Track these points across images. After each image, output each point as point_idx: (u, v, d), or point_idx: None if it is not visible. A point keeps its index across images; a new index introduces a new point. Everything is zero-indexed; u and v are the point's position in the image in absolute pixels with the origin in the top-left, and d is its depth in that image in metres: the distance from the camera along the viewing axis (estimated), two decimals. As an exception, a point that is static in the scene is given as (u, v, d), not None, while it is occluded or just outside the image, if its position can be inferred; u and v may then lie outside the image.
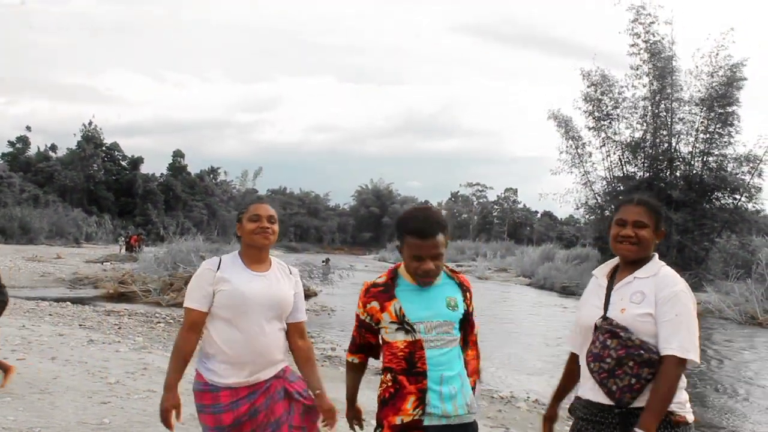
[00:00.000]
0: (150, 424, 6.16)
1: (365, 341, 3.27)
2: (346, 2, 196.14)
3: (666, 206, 28.04)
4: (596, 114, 32.38)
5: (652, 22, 30.73)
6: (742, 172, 29.76)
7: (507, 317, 20.27)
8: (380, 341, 3.21)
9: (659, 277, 2.97)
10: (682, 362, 2.82)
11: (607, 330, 2.91)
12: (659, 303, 2.88)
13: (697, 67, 30.50)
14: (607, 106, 32.06)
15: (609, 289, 3.06)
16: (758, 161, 29.34)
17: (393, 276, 3.22)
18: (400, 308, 3.09)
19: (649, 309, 2.89)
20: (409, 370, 3.05)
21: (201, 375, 3.41)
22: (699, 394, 10.46)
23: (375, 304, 3.15)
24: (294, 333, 3.56)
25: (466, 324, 3.22)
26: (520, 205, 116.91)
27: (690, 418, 2.90)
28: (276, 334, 3.46)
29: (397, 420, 3.04)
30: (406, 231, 3.10)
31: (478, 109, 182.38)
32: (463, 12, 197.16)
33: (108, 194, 72.38)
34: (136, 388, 7.53)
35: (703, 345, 16.23)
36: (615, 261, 3.16)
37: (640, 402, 2.82)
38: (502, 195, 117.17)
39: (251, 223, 3.47)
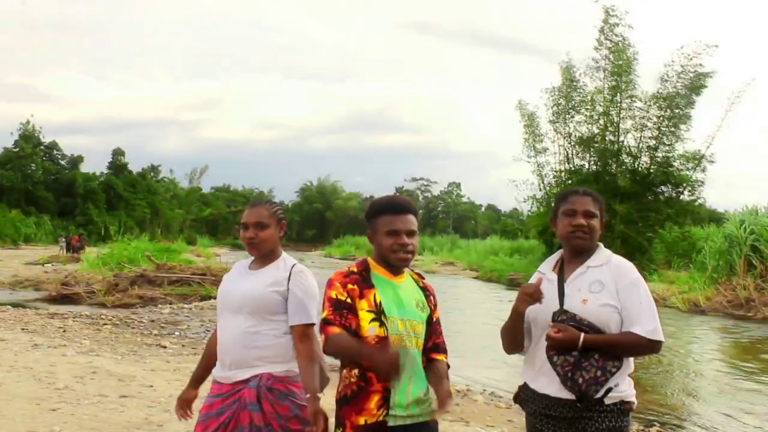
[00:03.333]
0: (102, 430, 5.95)
1: (347, 322, 2.92)
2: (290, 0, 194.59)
3: (612, 198, 28.51)
4: (555, 109, 32.75)
5: (616, 24, 31.28)
6: (687, 167, 30.53)
7: (456, 310, 20.36)
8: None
9: (614, 265, 3.02)
10: (650, 344, 2.90)
11: (575, 324, 2.89)
12: (621, 292, 2.94)
13: (666, 65, 31.10)
14: (570, 100, 32.42)
15: (560, 282, 3.05)
16: (702, 158, 30.19)
17: (365, 267, 3.08)
18: (380, 300, 2.96)
19: (609, 299, 2.93)
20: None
21: None
22: (647, 381, 10.57)
23: (355, 287, 2.98)
24: (294, 336, 3.30)
25: (431, 329, 3.10)
26: (464, 199, 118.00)
27: (635, 405, 2.98)
28: (249, 334, 3.25)
29: (361, 420, 2.89)
30: (380, 210, 3.08)
31: (421, 105, 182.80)
32: (407, 9, 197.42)
33: (47, 194, 70.50)
34: (86, 392, 7.27)
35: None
36: (558, 255, 3.18)
37: (601, 394, 2.85)
38: (446, 189, 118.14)
39: (241, 232, 3.43)
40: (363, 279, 3.02)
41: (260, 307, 3.28)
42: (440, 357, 3.10)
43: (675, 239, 31.21)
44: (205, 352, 3.60)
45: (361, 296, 2.96)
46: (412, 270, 3.20)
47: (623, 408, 2.88)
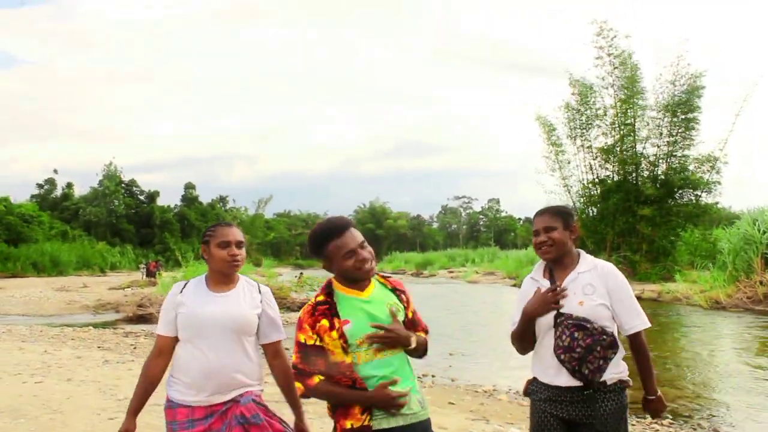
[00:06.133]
0: (154, 436, 6.00)
1: (316, 369, 2.82)
2: (337, 32, 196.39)
3: (636, 204, 28.03)
4: (572, 124, 32.39)
5: (615, 36, 30.80)
6: (703, 170, 29.85)
7: (492, 316, 20.14)
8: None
9: (600, 270, 3.17)
10: (644, 332, 3.14)
11: (573, 324, 3.06)
12: (611, 292, 3.10)
13: (661, 75, 30.61)
14: (583, 115, 32.03)
15: (555, 288, 3.19)
16: (716, 160, 29.50)
17: (328, 292, 2.92)
18: (341, 328, 2.82)
19: (601, 299, 3.10)
20: (353, 386, 2.81)
21: (167, 392, 3.20)
22: (672, 377, 10.27)
23: (325, 322, 2.83)
24: (268, 353, 3.24)
25: (411, 326, 3.03)
26: (504, 213, 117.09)
27: (631, 382, 3.16)
28: (235, 356, 3.11)
29: (348, 425, 2.83)
30: (325, 239, 2.93)
31: (458, 128, 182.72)
32: (441, 38, 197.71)
33: (129, 226, 72.15)
34: (143, 403, 7.35)
35: (676, 330, 16.13)
36: (543, 263, 3.32)
37: (604, 377, 3.03)
38: (486, 206, 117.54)
39: (220, 250, 3.16)
40: (331, 307, 2.86)
41: (245, 329, 3.15)
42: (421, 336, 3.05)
43: (697, 241, 30.48)
44: (144, 381, 3.21)
45: (332, 327, 2.82)
46: (378, 275, 3.05)
47: (623, 386, 3.08)
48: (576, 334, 3.03)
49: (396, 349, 2.90)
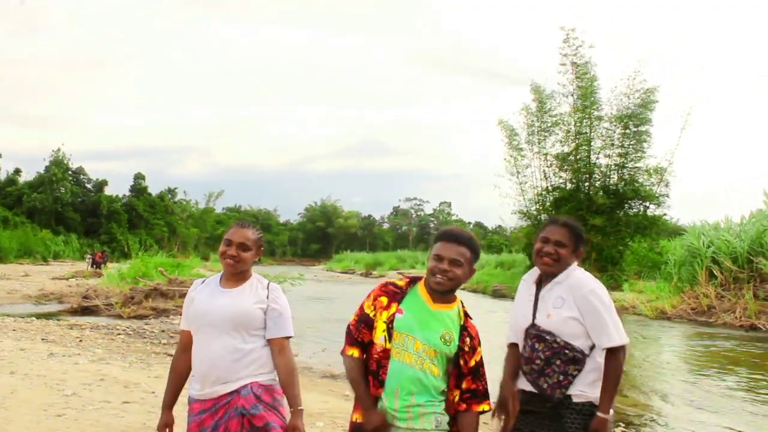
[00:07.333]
0: (103, 435, 5.81)
1: (360, 337, 2.99)
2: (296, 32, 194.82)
3: (588, 213, 28.45)
4: (530, 129, 32.66)
5: (580, 45, 31.18)
6: (651, 182, 30.45)
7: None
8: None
9: (571, 280, 3.07)
10: (620, 349, 2.97)
11: (534, 335, 3.00)
12: (579, 305, 2.98)
13: (616, 87, 31.07)
14: (541, 121, 32.33)
15: (537, 296, 3.13)
16: (664, 172, 30.12)
17: (411, 283, 3.06)
18: (394, 314, 2.92)
19: (570, 312, 2.98)
20: (375, 374, 2.92)
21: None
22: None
23: (383, 299, 2.99)
24: (273, 349, 3.25)
25: (468, 376, 2.98)
26: (455, 217, 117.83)
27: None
28: (234, 350, 3.16)
29: (354, 417, 2.97)
30: (439, 237, 3.05)
31: (414, 131, 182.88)
32: (401, 43, 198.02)
33: (75, 215, 70.31)
34: (91, 399, 7.13)
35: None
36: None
37: (570, 392, 2.93)
38: (438, 208, 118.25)
39: (223, 246, 3.30)
40: (399, 293, 3.00)
41: (246, 323, 3.21)
42: (479, 407, 2.97)
43: (644, 251, 31.16)
44: (173, 375, 3.40)
45: (387, 307, 2.95)
46: (464, 307, 3.07)
47: (592, 410, 2.91)
48: (537, 346, 2.98)
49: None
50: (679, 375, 11.95)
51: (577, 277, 3.07)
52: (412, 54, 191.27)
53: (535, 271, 3.23)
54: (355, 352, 2.97)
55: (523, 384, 3.06)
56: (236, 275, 3.30)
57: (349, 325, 3.03)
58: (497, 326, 13.10)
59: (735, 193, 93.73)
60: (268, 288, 3.31)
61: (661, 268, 24.66)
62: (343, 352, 3.02)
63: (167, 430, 3.33)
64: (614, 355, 2.96)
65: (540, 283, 3.17)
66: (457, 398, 2.95)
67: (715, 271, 21.02)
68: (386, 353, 2.88)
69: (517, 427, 3.03)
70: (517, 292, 3.30)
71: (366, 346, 2.96)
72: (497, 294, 31.78)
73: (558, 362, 2.91)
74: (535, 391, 2.98)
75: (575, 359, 2.91)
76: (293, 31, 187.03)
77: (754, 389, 10.39)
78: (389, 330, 2.89)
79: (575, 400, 2.92)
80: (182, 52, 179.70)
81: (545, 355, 2.93)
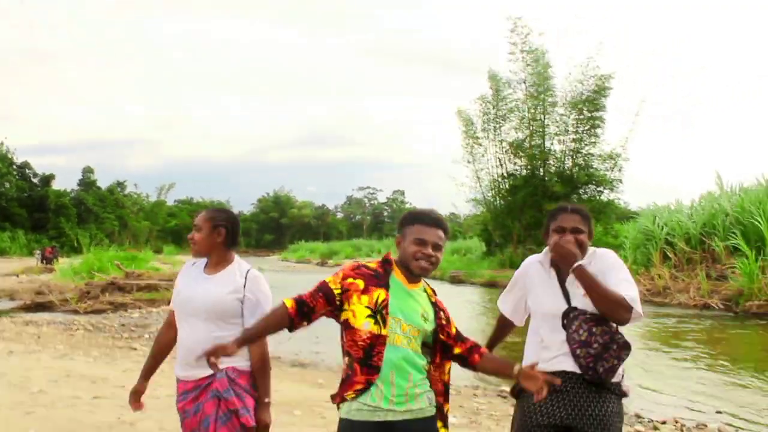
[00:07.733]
0: (76, 431, 5.68)
1: (312, 304, 2.84)
2: (247, 23, 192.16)
3: (542, 199, 28.81)
4: (486, 117, 32.87)
5: (528, 33, 31.41)
6: (606, 168, 30.97)
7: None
8: (342, 323, 2.89)
9: (596, 256, 3.04)
10: (628, 308, 2.86)
11: (591, 319, 2.93)
12: (604, 274, 2.93)
13: (570, 74, 31.53)
14: (497, 109, 32.54)
15: (562, 281, 3.06)
16: (618, 157, 30.69)
17: (386, 268, 2.94)
18: (384, 300, 2.82)
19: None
20: (365, 361, 2.80)
21: None
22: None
23: (359, 282, 2.85)
24: None
25: (458, 341, 3.02)
26: (408, 205, 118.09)
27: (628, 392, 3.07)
28: (211, 337, 3.07)
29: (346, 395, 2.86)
30: (414, 219, 2.95)
31: (367, 122, 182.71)
32: (353, 34, 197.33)
33: (20, 210, 68.26)
34: (60, 395, 6.96)
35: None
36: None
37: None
38: (391, 197, 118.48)
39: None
40: (377, 276, 2.89)
41: (221, 312, 3.18)
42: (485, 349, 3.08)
43: (599, 234, 31.74)
44: (154, 348, 3.50)
45: (365, 291, 2.83)
46: (428, 285, 3.06)
47: (621, 391, 3.01)
48: (594, 330, 2.92)
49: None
50: (636, 352, 12.23)
51: (601, 252, 3.08)
52: (363, 45, 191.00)
53: (548, 254, 3.15)
54: (289, 302, 2.85)
55: (565, 364, 2.97)
56: (213, 260, 3.30)
57: (303, 295, 2.89)
58: (459, 311, 13.16)
59: (682, 178, 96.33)
60: (246, 276, 3.26)
61: (617, 252, 25.15)
62: (282, 301, 2.89)
63: (137, 397, 3.41)
64: (626, 305, 2.92)
65: (557, 267, 3.11)
66: (464, 355, 3.01)
67: (669, 253, 21.53)
68: (380, 339, 2.80)
69: (536, 422, 2.99)
70: (526, 277, 3.23)
71: (309, 315, 2.85)
72: (455, 280, 31.99)
73: (615, 347, 2.90)
74: (580, 372, 2.93)
75: (627, 344, 2.93)
76: (241, 23, 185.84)
77: (703, 360, 10.98)
78: (382, 315, 2.81)
79: (614, 380, 2.98)
80: (129, 45, 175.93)
81: (604, 340, 2.89)
